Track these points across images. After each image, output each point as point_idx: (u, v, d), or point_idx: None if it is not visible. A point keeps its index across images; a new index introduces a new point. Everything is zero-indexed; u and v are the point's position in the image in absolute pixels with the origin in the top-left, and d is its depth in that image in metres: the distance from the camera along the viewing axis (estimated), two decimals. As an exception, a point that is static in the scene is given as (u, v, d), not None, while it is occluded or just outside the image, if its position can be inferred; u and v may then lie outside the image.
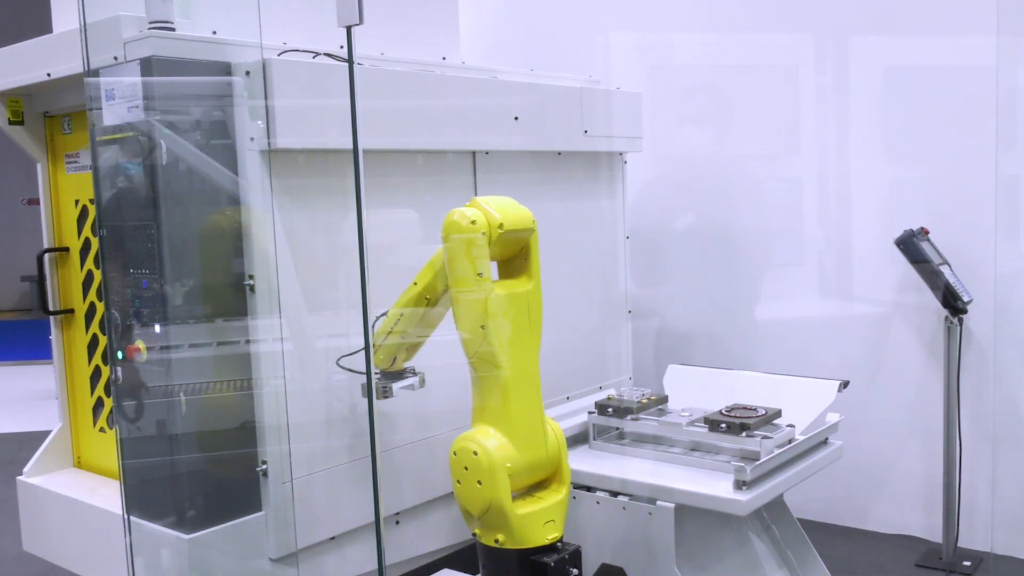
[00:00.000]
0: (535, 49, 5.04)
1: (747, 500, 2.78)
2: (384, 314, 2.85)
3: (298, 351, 2.82)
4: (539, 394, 2.63)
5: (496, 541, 2.52)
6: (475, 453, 2.49)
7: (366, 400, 2.34)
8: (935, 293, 3.76)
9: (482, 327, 2.50)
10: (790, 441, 3.07)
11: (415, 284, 2.75)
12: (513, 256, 2.66)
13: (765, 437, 2.97)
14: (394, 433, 3.10)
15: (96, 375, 3.37)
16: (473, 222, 2.50)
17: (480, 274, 2.50)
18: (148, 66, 2.55)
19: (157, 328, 2.64)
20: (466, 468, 2.51)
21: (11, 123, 3.36)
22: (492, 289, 2.52)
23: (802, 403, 3.23)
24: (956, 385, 3.77)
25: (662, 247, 4.73)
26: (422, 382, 2.95)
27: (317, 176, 2.86)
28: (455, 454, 2.55)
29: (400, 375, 2.91)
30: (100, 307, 3.28)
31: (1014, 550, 3.88)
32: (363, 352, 2.35)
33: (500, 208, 2.56)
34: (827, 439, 3.31)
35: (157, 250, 2.61)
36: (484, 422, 2.56)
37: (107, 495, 3.13)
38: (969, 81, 3.83)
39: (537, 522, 2.53)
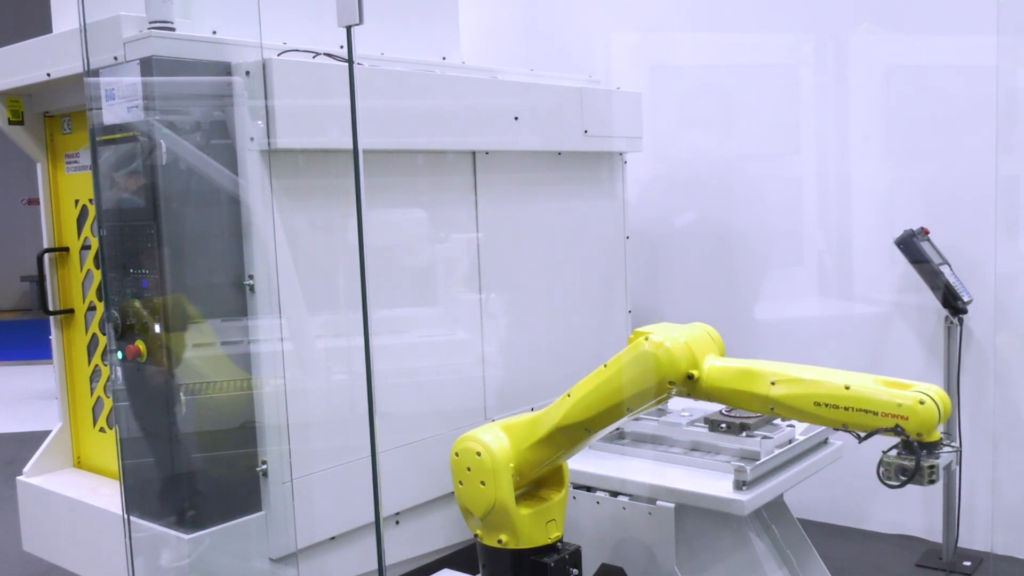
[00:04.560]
0: (535, 49, 5.04)
1: (747, 500, 2.78)
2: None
3: (298, 351, 2.82)
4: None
5: (499, 542, 2.52)
6: (478, 453, 2.48)
7: (366, 400, 2.34)
8: (935, 293, 3.76)
9: (587, 430, 2.43)
10: (790, 441, 3.07)
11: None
12: None
13: (765, 437, 2.97)
14: (394, 433, 3.10)
15: (96, 375, 3.37)
16: (671, 383, 2.28)
17: (631, 410, 2.37)
18: (148, 66, 2.55)
19: (157, 328, 2.64)
20: (469, 469, 2.50)
21: (11, 123, 3.36)
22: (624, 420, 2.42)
23: (802, 403, 3.23)
24: (956, 385, 3.76)
25: (662, 247, 4.73)
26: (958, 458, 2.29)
27: (317, 176, 2.86)
28: (457, 455, 2.54)
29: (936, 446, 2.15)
30: (100, 307, 3.28)
31: (1014, 550, 3.88)
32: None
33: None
34: (827, 439, 3.31)
35: (157, 250, 2.61)
36: (506, 430, 2.54)
37: (107, 495, 3.13)
38: (969, 81, 3.83)
39: (540, 521, 2.53)
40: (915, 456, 2.08)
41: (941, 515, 3.85)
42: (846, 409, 2.13)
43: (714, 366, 2.29)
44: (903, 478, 2.12)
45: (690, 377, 2.26)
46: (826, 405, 2.16)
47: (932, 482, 2.12)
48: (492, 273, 3.44)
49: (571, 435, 2.46)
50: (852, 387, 2.14)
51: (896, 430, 2.09)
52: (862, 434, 2.14)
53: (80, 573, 3.22)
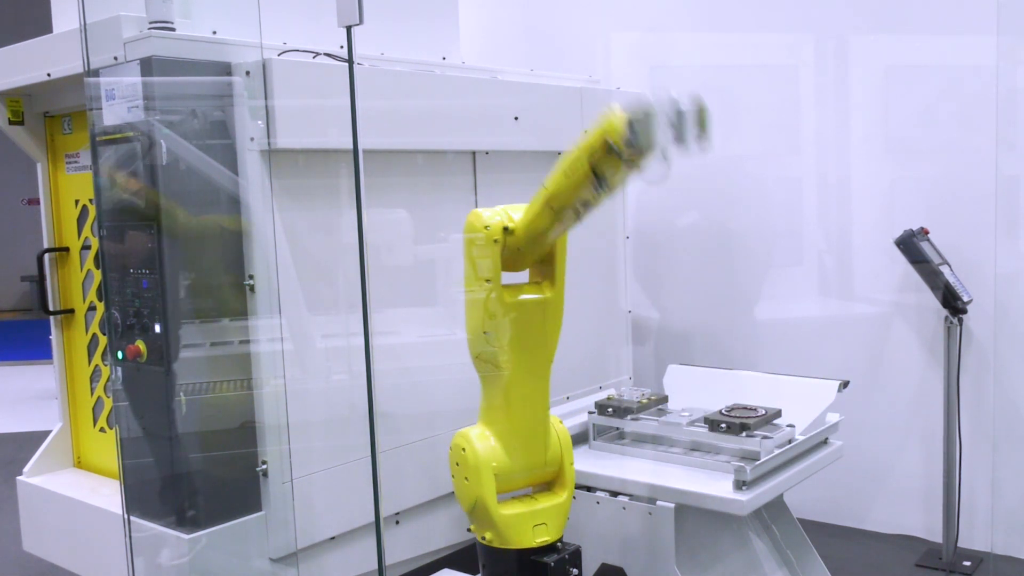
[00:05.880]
0: (535, 49, 5.04)
1: (747, 500, 2.78)
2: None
3: (298, 351, 2.82)
4: (546, 399, 2.62)
5: (483, 539, 2.56)
6: (463, 450, 2.53)
7: (366, 400, 2.34)
8: (935, 293, 3.76)
9: (484, 332, 2.50)
10: (790, 441, 3.07)
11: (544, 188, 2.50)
12: (543, 261, 2.60)
13: (765, 437, 2.97)
14: (394, 433, 3.10)
15: (96, 375, 3.37)
16: (487, 227, 2.47)
17: (488, 280, 2.48)
18: (148, 66, 2.55)
19: (157, 328, 2.64)
20: (457, 464, 2.56)
21: (11, 123, 3.36)
22: (495, 294, 2.50)
23: (802, 403, 3.23)
24: (956, 385, 3.76)
25: (662, 247, 4.73)
26: None
27: (317, 176, 2.86)
28: (451, 449, 2.60)
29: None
30: (100, 307, 3.28)
31: (1014, 550, 3.88)
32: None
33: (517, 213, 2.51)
34: (827, 439, 3.31)
35: (157, 250, 2.61)
36: (484, 422, 2.58)
37: (107, 495, 3.13)
38: (969, 81, 3.83)
39: (524, 524, 2.53)
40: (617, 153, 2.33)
41: (941, 515, 3.85)
42: (570, 177, 2.42)
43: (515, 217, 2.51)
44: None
45: (506, 230, 2.46)
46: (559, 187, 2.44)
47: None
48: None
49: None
50: (562, 165, 2.41)
51: (609, 145, 2.34)
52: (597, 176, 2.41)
53: (80, 573, 3.22)
